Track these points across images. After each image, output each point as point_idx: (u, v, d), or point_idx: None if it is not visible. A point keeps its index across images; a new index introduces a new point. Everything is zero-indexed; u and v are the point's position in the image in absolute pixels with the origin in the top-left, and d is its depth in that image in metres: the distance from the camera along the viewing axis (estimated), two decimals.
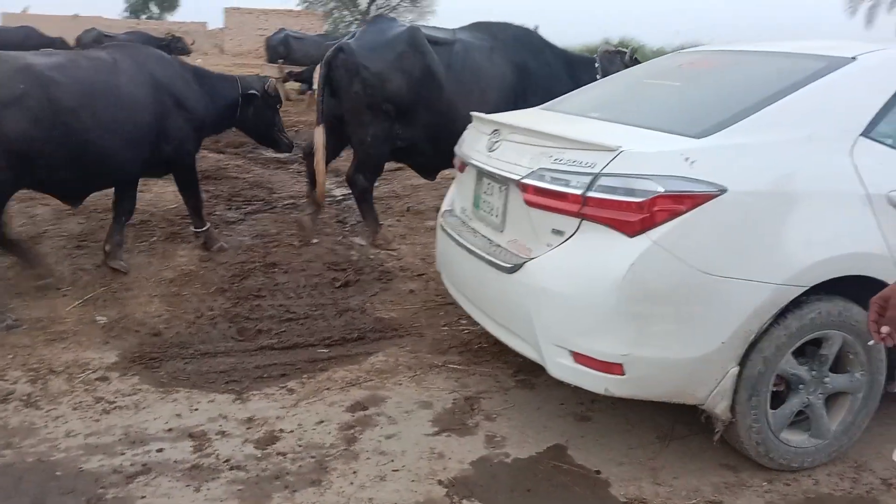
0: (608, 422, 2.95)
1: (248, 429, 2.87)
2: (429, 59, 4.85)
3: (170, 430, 2.85)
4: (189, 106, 4.52)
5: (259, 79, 5.31)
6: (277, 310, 4.02)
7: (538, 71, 5.22)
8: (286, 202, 6.07)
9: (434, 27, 5.32)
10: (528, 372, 3.30)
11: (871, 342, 2.19)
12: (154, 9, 52.38)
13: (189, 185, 4.75)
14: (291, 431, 2.85)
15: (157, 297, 4.11)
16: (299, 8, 38.24)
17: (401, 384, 3.24)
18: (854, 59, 2.81)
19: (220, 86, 4.89)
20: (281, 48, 17.34)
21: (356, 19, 40.97)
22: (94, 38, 14.70)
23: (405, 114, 4.84)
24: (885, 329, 1.90)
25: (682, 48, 5.59)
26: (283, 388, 3.20)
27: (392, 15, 41.34)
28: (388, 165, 7.81)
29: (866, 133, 2.65)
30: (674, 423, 2.89)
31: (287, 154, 7.99)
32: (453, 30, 5.33)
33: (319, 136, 4.89)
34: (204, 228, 4.80)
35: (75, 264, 4.31)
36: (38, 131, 3.72)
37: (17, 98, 3.65)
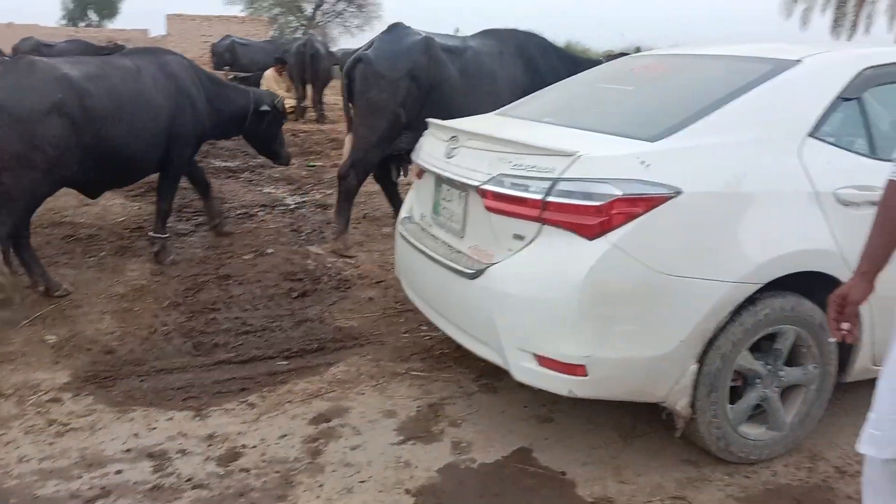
0: (571, 423, 2.98)
1: (209, 446, 2.81)
2: (443, 68, 5.07)
3: (128, 450, 2.77)
4: (199, 112, 4.80)
5: (269, 94, 5.61)
6: (234, 323, 3.95)
7: (547, 75, 5.33)
8: (238, 212, 5.97)
9: (446, 35, 5.54)
10: (491, 376, 3.31)
11: (831, 339, 2.26)
12: (93, 16, 51.07)
13: (169, 188, 4.88)
14: (254, 447, 2.80)
15: (108, 314, 3.99)
16: (244, 14, 37.75)
17: (363, 394, 3.21)
18: (799, 61, 2.90)
19: (233, 96, 5.21)
20: (227, 55, 17.09)
21: (302, 25, 40.65)
22: (32, 47, 14.23)
23: (417, 119, 4.88)
24: (845, 326, 1.97)
25: (623, 53, 5.75)
26: (243, 402, 3.15)
27: (338, 20, 41.17)
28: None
29: (813, 133, 2.73)
30: (635, 422, 2.94)
31: (238, 163, 7.94)
32: (464, 37, 5.61)
33: (350, 144, 5.09)
34: (163, 236, 4.81)
35: (21, 282, 4.15)
36: (74, 136, 3.98)
37: (55, 105, 3.88)
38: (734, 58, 3.23)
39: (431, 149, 3.28)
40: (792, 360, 2.76)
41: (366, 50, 5.16)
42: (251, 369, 3.46)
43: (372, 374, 3.40)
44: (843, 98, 2.83)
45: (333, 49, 18.48)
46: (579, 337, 2.49)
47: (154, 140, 4.49)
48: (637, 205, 2.45)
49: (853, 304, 1.95)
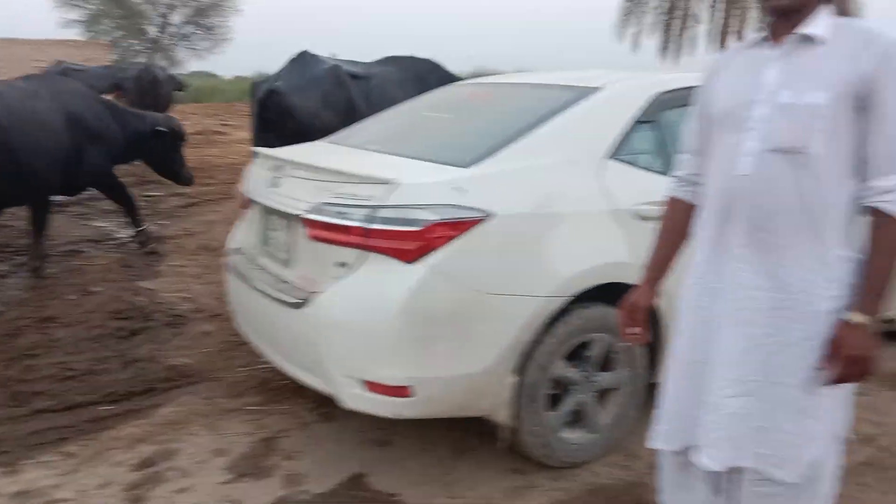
0: (407, 444, 3.03)
1: (19, 503, 2.61)
2: (351, 93, 5.43)
3: None
4: (101, 135, 5.17)
5: (167, 117, 5.95)
6: (55, 368, 3.69)
7: None
8: (63, 249, 5.61)
9: (350, 62, 5.89)
10: (329, 405, 3.25)
11: (623, 343, 2.45)
12: None
13: (118, 192, 5.56)
14: (70, 499, 2.63)
15: None
16: (82, 38, 35.54)
17: (194, 434, 3.10)
18: (600, 88, 3.13)
19: (130, 120, 5.51)
20: None
21: (147, 48, 38.82)
22: None
23: None
24: (633, 330, 2.15)
25: (475, 74, 6.16)
26: (61, 452, 2.95)
27: (185, 43, 39.76)
28: (180, 202, 7.54)
29: (612, 155, 2.96)
30: (466, 437, 3.02)
31: (71, 197, 7.45)
32: (368, 64, 6.00)
33: None
34: (142, 228, 5.64)
35: None
36: None
37: None
38: (544, 86, 3.44)
39: (257, 178, 3.25)
40: (606, 365, 2.96)
41: (276, 81, 5.44)
42: (73, 417, 3.26)
43: (204, 412, 3.29)
44: (639, 121, 3.08)
45: (181, 73, 17.80)
46: (403, 359, 2.55)
47: (53, 160, 4.77)
48: (453, 228, 2.55)
49: (640, 309, 2.13)
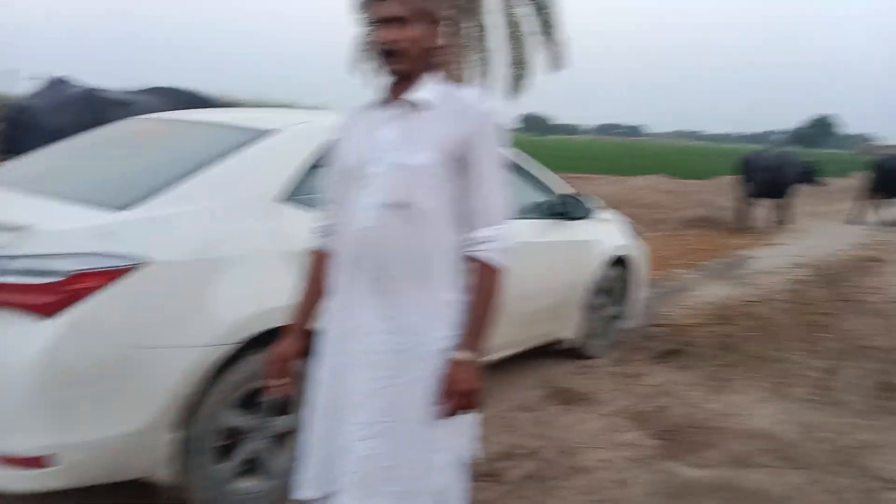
0: None
1: None
2: (108, 118, 5.25)
3: None
4: None
5: None
6: None
7: None
8: None
9: (111, 91, 6.05)
10: None
11: (269, 395, 2.41)
12: None
13: None
14: None
15: None
16: None
17: None
18: (274, 131, 3.13)
19: None
20: None
21: None
22: None
23: None
24: (280, 381, 2.14)
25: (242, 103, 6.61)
26: None
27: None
28: None
29: (284, 198, 2.96)
30: (131, 498, 2.81)
31: None
32: (132, 92, 6.19)
33: None
34: None
35: None
36: None
37: None
38: (220, 125, 3.36)
39: None
40: (283, 408, 2.92)
41: (29, 100, 5.50)
42: None
43: None
44: (314, 165, 3.12)
45: None
46: (41, 425, 2.31)
47: None
48: (99, 279, 2.39)
49: (287, 360, 2.14)
